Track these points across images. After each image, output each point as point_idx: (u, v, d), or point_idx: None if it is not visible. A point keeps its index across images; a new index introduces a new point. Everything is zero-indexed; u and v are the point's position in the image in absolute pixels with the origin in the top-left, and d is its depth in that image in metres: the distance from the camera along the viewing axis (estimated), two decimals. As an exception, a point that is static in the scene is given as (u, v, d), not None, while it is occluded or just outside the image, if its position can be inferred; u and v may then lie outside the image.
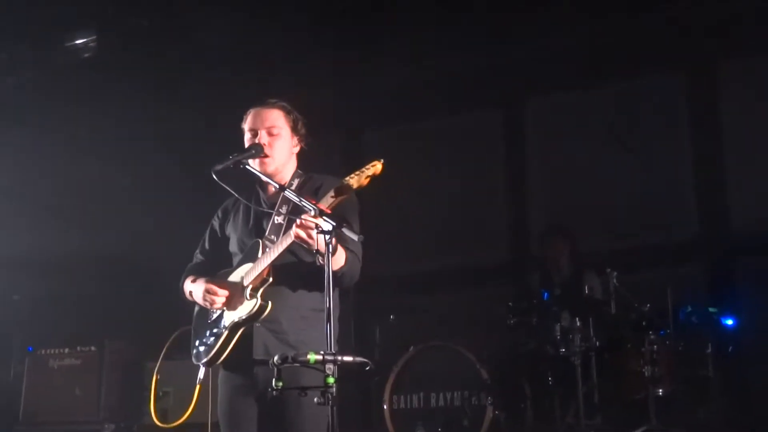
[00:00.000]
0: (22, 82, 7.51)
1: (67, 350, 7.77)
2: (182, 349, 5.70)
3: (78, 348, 7.77)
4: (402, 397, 6.54)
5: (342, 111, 8.22)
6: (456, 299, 7.71)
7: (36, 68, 7.35)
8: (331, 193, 3.46)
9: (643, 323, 6.21)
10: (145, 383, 7.51)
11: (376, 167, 3.38)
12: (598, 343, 6.20)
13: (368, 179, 3.38)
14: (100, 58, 7.25)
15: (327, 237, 3.31)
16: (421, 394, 6.50)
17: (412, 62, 7.88)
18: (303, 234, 3.50)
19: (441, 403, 6.44)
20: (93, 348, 7.76)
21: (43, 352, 7.83)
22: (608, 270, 6.37)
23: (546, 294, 6.68)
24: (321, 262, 3.45)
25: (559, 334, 6.26)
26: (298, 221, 3.50)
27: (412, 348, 6.64)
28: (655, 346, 6.13)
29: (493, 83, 7.97)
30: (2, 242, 7.83)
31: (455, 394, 6.40)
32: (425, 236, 8.21)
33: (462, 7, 7.08)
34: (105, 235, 8.25)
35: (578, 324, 6.19)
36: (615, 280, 6.35)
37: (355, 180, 3.39)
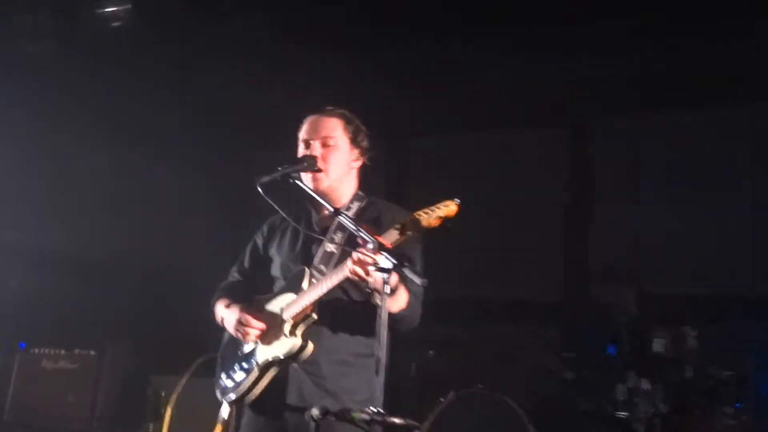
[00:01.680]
0: (43, 51, 7.48)
1: (63, 352, 7.72)
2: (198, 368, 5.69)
3: (76, 351, 7.73)
4: (436, 451, 6.44)
5: (388, 116, 8.16)
6: (505, 336, 7.56)
7: (60, 37, 7.31)
8: (397, 227, 3.38)
9: (719, 392, 6.06)
10: (146, 397, 7.46)
11: (450, 208, 3.31)
12: (665, 410, 6.06)
13: (439, 221, 3.30)
14: (128, 33, 7.23)
15: (385, 276, 3.21)
16: (460, 448, 6.41)
17: (477, 70, 7.79)
18: (360, 271, 3.42)
19: (480, 460, 6.33)
20: (92, 352, 7.72)
21: (36, 350, 7.79)
22: (684, 327, 6.23)
23: (610, 347, 6.54)
24: (376, 301, 3.36)
25: (622, 395, 6.14)
26: (354, 255, 3.41)
27: (452, 393, 6.53)
28: (730, 421, 5.98)
29: (562, 101, 7.85)
30: (6, 225, 7.81)
31: (499, 451, 6.29)
32: (473, 260, 8.10)
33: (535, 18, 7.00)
34: (124, 233, 8.24)
35: (645, 386, 6.06)
36: (691, 338, 6.21)
37: (425, 218, 3.32)
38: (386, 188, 8.16)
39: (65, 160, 8.21)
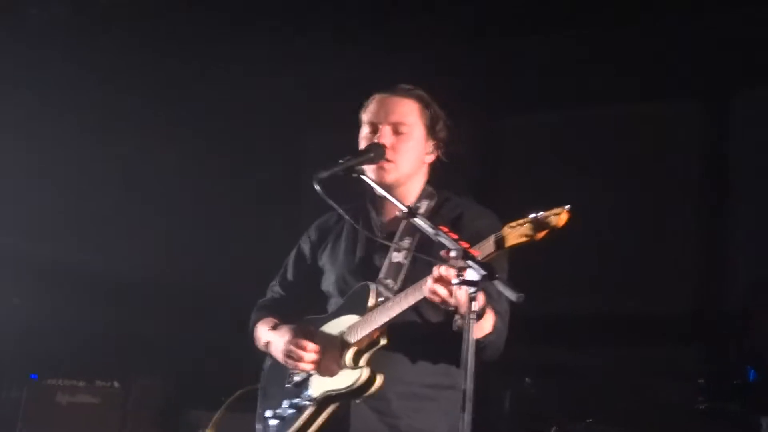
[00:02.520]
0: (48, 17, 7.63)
1: (82, 383, 7.82)
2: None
3: (97, 382, 7.82)
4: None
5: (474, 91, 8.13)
6: (619, 362, 7.50)
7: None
8: (495, 238, 3.30)
9: None
10: (181, 436, 7.57)
11: (560, 218, 3.19)
12: (824, 450, 5.98)
13: (545, 232, 3.20)
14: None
15: (472, 291, 3.14)
16: (564, 499, 6.40)
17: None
18: (442, 291, 3.36)
19: None
20: (116, 383, 7.82)
21: (49, 382, 7.88)
22: None
23: (752, 373, 6.44)
24: (459, 326, 3.33)
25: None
26: (436, 271, 3.35)
27: (554, 429, 6.50)
28: None
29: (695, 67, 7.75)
30: (12, 234, 7.94)
31: (613, 501, 6.27)
32: (579, 268, 8.04)
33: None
34: (152, 247, 8.34)
35: (798, 420, 5.97)
36: None
37: (528, 229, 3.22)
38: (470, 182, 8.16)
39: (82, 163, 8.32)
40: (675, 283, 7.89)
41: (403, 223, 3.81)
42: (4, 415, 7.85)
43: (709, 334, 7.45)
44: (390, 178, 3.87)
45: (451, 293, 3.34)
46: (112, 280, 8.25)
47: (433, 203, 3.98)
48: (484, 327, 3.54)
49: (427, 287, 3.40)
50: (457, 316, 3.43)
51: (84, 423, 7.70)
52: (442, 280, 3.34)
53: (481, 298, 3.24)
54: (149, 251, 8.30)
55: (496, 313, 3.63)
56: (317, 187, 3.57)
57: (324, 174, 3.62)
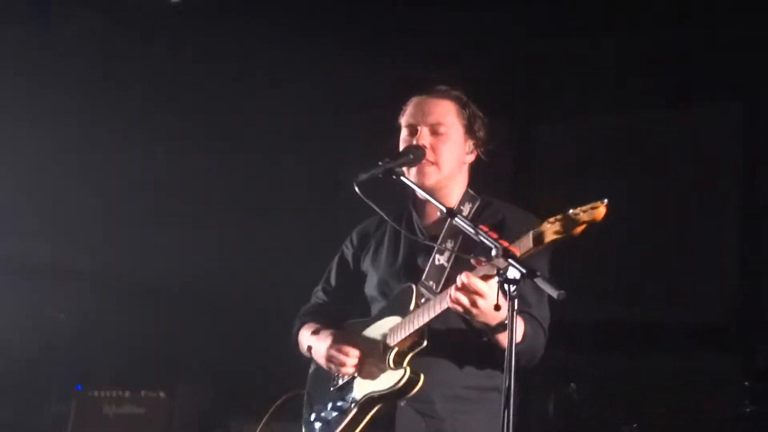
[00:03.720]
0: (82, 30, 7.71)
1: (128, 394, 7.83)
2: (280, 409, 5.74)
3: (142, 393, 7.83)
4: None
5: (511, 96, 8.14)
6: (664, 367, 7.48)
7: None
8: (533, 233, 3.30)
9: None
10: (228, 447, 7.59)
11: (599, 211, 3.15)
12: None
13: (584, 227, 3.18)
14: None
15: (512, 289, 3.15)
16: (609, 501, 6.37)
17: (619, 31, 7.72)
18: (465, 300, 3.39)
19: None
20: (162, 394, 7.83)
21: (96, 394, 7.89)
22: None
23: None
24: (489, 338, 3.37)
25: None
26: (459, 279, 3.38)
27: (601, 436, 6.51)
28: None
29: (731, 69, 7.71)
30: (50, 241, 7.99)
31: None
32: (622, 273, 8.02)
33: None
34: (196, 253, 8.36)
35: None
36: None
37: (566, 224, 3.21)
38: (507, 187, 8.16)
39: (125, 165, 8.36)
40: (716, 287, 7.86)
41: (445, 226, 3.81)
42: (54, 427, 7.90)
43: (753, 336, 7.42)
44: (431, 180, 3.88)
45: (473, 302, 3.37)
46: (155, 289, 8.27)
47: (475, 207, 3.98)
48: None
49: (450, 296, 3.43)
50: (488, 328, 3.47)
51: (131, 433, 7.75)
52: (465, 288, 3.37)
53: (504, 310, 3.25)
54: (194, 260, 8.33)
55: (527, 322, 3.62)
56: (357, 190, 3.59)
57: (363, 177, 3.63)
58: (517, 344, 3.46)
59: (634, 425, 6.53)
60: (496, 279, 3.18)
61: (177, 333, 8.25)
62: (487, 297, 3.36)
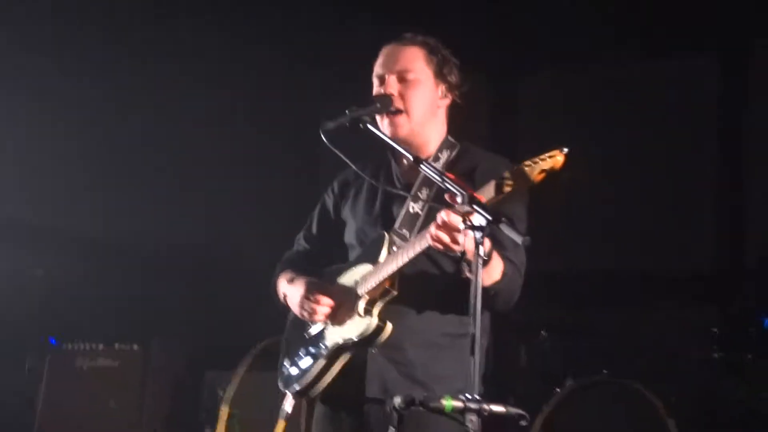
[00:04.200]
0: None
1: (102, 347, 7.78)
2: (256, 360, 5.80)
3: (116, 345, 7.81)
4: (553, 450, 6.50)
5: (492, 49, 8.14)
6: (635, 317, 7.55)
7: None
8: (495, 181, 3.30)
9: None
10: (202, 399, 7.61)
11: (556, 159, 3.16)
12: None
13: (542, 174, 3.18)
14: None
15: (479, 236, 3.17)
16: (581, 449, 6.45)
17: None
18: (445, 237, 3.40)
19: (608, 461, 6.37)
20: (136, 347, 7.83)
21: (69, 347, 7.85)
22: None
23: (766, 322, 6.48)
24: (468, 274, 3.37)
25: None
26: (439, 217, 3.39)
27: (570, 382, 6.55)
28: None
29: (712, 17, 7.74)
30: (28, 202, 7.98)
31: (629, 451, 6.31)
32: (595, 225, 8.09)
33: None
34: (166, 210, 8.35)
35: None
36: None
37: (526, 172, 3.20)
38: (489, 138, 8.19)
39: (101, 126, 8.33)
40: (691, 237, 7.93)
41: (421, 174, 3.79)
42: (28, 382, 7.89)
43: (724, 285, 7.48)
44: (404, 131, 3.88)
45: (453, 240, 3.37)
46: (129, 244, 8.28)
47: (453, 153, 3.99)
48: (492, 274, 3.55)
49: (431, 234, 3.43)
50: (465, 265, 3.47)
51: (104, 386, 7.69)
52: (445, 226, 3.37)
53: (487, 243, 3.29)
54: (167, 215, 8.31)
55: (507, 261, 3.64)
56: (324, 138, 3.60)
57: (330, 125, 3.64)
58: (495, 283, 3.55)
59: (605, 371, 6.58)
60: (462, 228, 3.22)
61: (152, 286, 8.24)
62: (466, 235, 3.36)
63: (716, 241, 7.96)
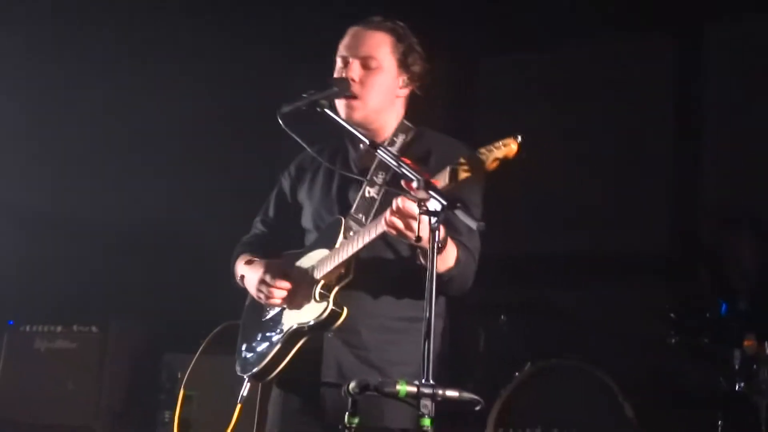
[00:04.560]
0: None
1: (60, 329, 7.80)
2: (214, 343, 5.79)
3: (75, 327, 7.80)
4: (511, 432, 6.51)
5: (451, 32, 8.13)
6: (593, 299, 7.58)
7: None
8: (450, 167, 3.31)
9: None
10: (161, 381, 7.60)
11: (510, 148, 3.19)
12: (795, 380, 6.07)
13: (496, 162, 3.20)
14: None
15: (433, 221, 3.19)
16: (538, 431, 6.47)
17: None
18: (399, 223, 3.41)
19: (566, 445, 6.39)
20: (95, 329, 7.80)
21: (27, 328, 7.87)
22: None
23: (724, 306, 6.53)
24: (422, 260, 3.39)
25: (738, 362, 6.11)
26: (395, 203, 3.40)
27: (528, 365, 6.59)
28: None
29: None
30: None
31: (587, 435, 6.34)
32: (554, 208, 8.10)
33: None
34: (126, 188, 8.33)
35: (768, 351, 6.05)
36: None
37: (482, 159, 3.21)
38: (447, 121, 8.18)
39: (58, 100, 8.27)
40: (649, 220, 7.97)
41: (377, 158, 3.79)
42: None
43: (682, 269, 7.52)
44: (358, 115, 3.89)
45: (408, 226, 3.39)
46: (88, 224, 8.24)
47: (409, 137, 4.00)
48: (446, 260, 3.57)
49: (386, 219, 3.44)
50: (418, 250, 3.48)
51: (63, 368, 7.70)
52: (399, 212, 3.38)
53: (441, 229, 3.31)
54: (126, 195, 8.28)
55: (460, 247, 3.67)
56: (280, 122, 3.60)
57: (286, 108, 3.62)
58: (449, 269, 3.56)
59: (563, 355, 6.62)
60: (417, 213, 3.24)
61: (110, 268, 8.23)
62: (422, 220, 3.38)
63: (672, 222, 7.99)
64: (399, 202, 3.37)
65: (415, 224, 3.34)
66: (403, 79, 3.98)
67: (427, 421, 3.07)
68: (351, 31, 4.02)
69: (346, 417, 3.17)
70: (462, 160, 3.25)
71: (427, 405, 3.08)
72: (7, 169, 7.87)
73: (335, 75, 3.97)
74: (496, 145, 3.20)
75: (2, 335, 7.88)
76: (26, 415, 7.65)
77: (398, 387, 3.06)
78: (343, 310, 3.72)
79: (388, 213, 3.43)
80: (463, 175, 3.25)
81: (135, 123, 8.40)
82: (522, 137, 3.20)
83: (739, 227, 6.95)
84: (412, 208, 3.32)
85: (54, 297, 8.05)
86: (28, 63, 7.91)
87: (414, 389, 3.06)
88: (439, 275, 3.30)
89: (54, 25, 7.94)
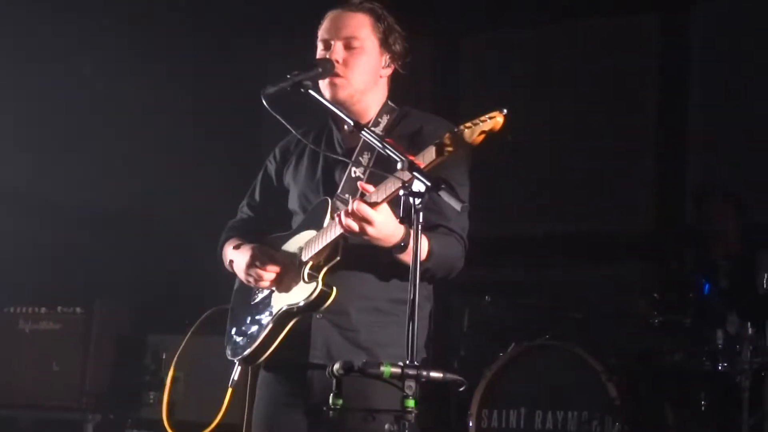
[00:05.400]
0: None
1: (44, 310, 7.81)
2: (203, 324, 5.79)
3: (59, 308, 7.82)
4: (495, 412, 6.53)
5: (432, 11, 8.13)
6: (577, 280, 7.63)
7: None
8: (435, 143, 3.33)
9: None
10: (145, 362, 7.62)
11: (496, 121, 3.20)
12: (776, 359, 6.10)
13: (482, 136, 3.22)
14: None
15: (417, 202, 3.20)
16: (522, 411, 6.49)
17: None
18: (355, 226, 3.47)
19: (549, 425, 6.41)
20: (79, 310, 7.80)
21: (11, 310, 7.87)
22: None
23: (707, 286, 6.56)
24: (396, 256, 3.51)
25: (721, 342, 6.15)
26: (350, 204, 3.45)
27: (513, 345, 6.62)
28: None
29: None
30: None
31: (570, 414, 6.36)
32: (538, 187, 8.14)
33: None
34: (111, 169, 8.32)
35: (750, 331, 6.06)
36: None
37: (467, 133, 3.24)
38: (431, 101, 8.19)
39: (42, 82, 8.25)
40: (632, 200, 8.01)
41: (362, 139, 3.77)
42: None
43: (665, 249, 7.55)
44: (343, 94, 3.88)
45: (362, 229, 3.45)
46: (73, 205, 8.24)
47: (393, 117, 4.00)
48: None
49: (340, 221, 3.50)
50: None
51: (47, 349, 7.72)
52: (353, 214, 3.44)
53: (400, 229, 3.48)
54: (111, 177, 8.29)
55: (441, 237, 3.71)
56: (264, 103, 3.59)
57: (271, 89, 3.61)
58: (423, 261, 3.55)
59: (547, 336, 6.65)
60: (401, 194, 3.26)
61: (96, 249, 8.24)
62: (375, 223, 3.43)
63: (657, 203, 8.02)
64: (354, 204, 3.43)
65: (368, 228, 3.44)
66: (385, 58, 3.98)
67: (411, 403, 3.09)
68: (330, 15, 4.02)
69: (330, 398, 3.19)
70: (447, 136, 3.28)
71: (411, 386, 3.10)
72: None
73: (317, 58, 3.96)
74: (482, 118, 3.22)
75: (-14, 318, 7.87)
76: (10, 397, 7.69)
77: (382, 368, 3.08)
78: (332, 290, 3.71)
79: (343, 215, 3.48)
80: (449, 150, 3.28)
81: (119, 106, 8.40)
82: (507, 111, 3.21)
83: (723, 206, 6.98)
84: (365, 211, 3.41)
85: (38, 278, 8.06)
86: (6, 38, 7.86)
87: (398, 370, 3.08)
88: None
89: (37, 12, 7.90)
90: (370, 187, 3.36)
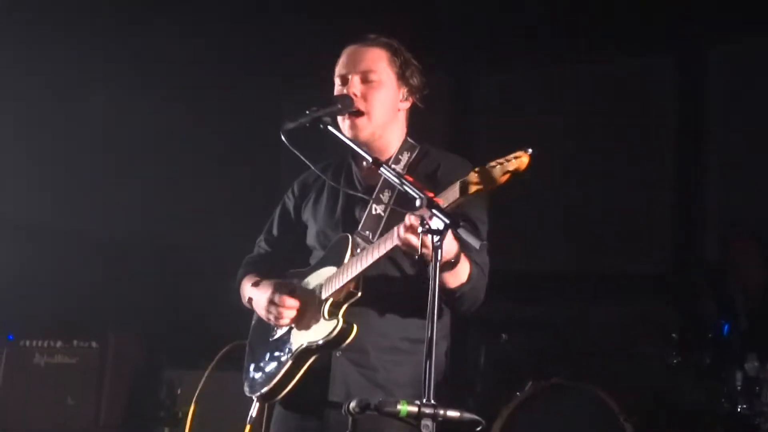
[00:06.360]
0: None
1: (59, 344, 7.81)
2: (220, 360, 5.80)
3: (75, 342, 7.83)
4: (512, 452, 6.50)
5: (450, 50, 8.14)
6: (595, 318, 7.57)
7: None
8: (459, 183, 3.32)
9: None
10: (160, 397, 7.60)
11: (521, 161, 3.21)
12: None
13: (507, 175, 3.22)
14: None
15: (436, 240, 3.19)
16: (539, 451, 6.47)
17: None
18: (413, 240, 3.39)
19: (566, 464, 6.40)
20: (94, 344, 7.84)
21: (27, 343, 7.85)
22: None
23: (726, 326, 6.52)
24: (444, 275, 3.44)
25: (740, 383, 6.13)
26: (407, 219, 3.40)
27: (530, 384, 6.58)
28: None
29: (667, 20, 7.77)
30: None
31: (587, 455, 6.34)
32: (556, 225, 8.11)
33: None
34: (129, 203, 8.34)
35: (769, 372, 6.04)
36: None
37: (491, 173, 3.23)
38: (447, 138, 8.19)
39: (58, 113, 8.25)
40: (649, 239, 7.97)
41: (382, 176, 3.76)
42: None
43: (685, 289, 7.51)
44: (365, 133, 3.91)
45: (424, 243, 3.36)
46: (88, 239, 8.25)
47: (413, 155, 4.01)
48: (459, 276, 3.59)
49: (399, 236, 3.45)
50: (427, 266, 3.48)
51: (62, 384, 7.72)
52: (412, 228, 3.38)
53: (455, 246, 3.40)
54: (127, 209, 8.30)
55: (473, 263, 3.68)
56: (283, 139, 3.59)
57: (290, 125, 3.63)
58: (462, 284, 3.58)
59: (564, 375, 6.60)
60: (419, 231, 3.25)
61: (111, 283, 8.24)
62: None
63: (675, 241, 7.99)
64: (412, 219, 3.37)
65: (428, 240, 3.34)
66: (403, 92, 4.01)
67: (428, 441, 3.07)
68: (347, 51, 4.05)
69: (346, 437, 3.18)
70: (473, 174, 3.28)
71: (428, 425, 3.08)
72: (7, 182, 7.85)
73: (335, 94, 3.98)
74: (507, 158, 3.22)
75: (2, 350, 7.81)
76: (26, 431, 7.61)
77: (399, 407, 3.07)
78: (353, 327, 3.72)
79: (402, 229, 3.43)
80: (473, 188, 3.28)
81: (135, 137, 8.43)
82: (532, 150, 3.22)
83: (746, 245, 6.93)
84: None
85: (54, 312, 8.05)
86: (22, 73, 7.88)
87: (415, 409, 3.07)
88: (451, 291, 3.45)
89: (52, 34, 7.91)
90: (417, 202, 3.28)
